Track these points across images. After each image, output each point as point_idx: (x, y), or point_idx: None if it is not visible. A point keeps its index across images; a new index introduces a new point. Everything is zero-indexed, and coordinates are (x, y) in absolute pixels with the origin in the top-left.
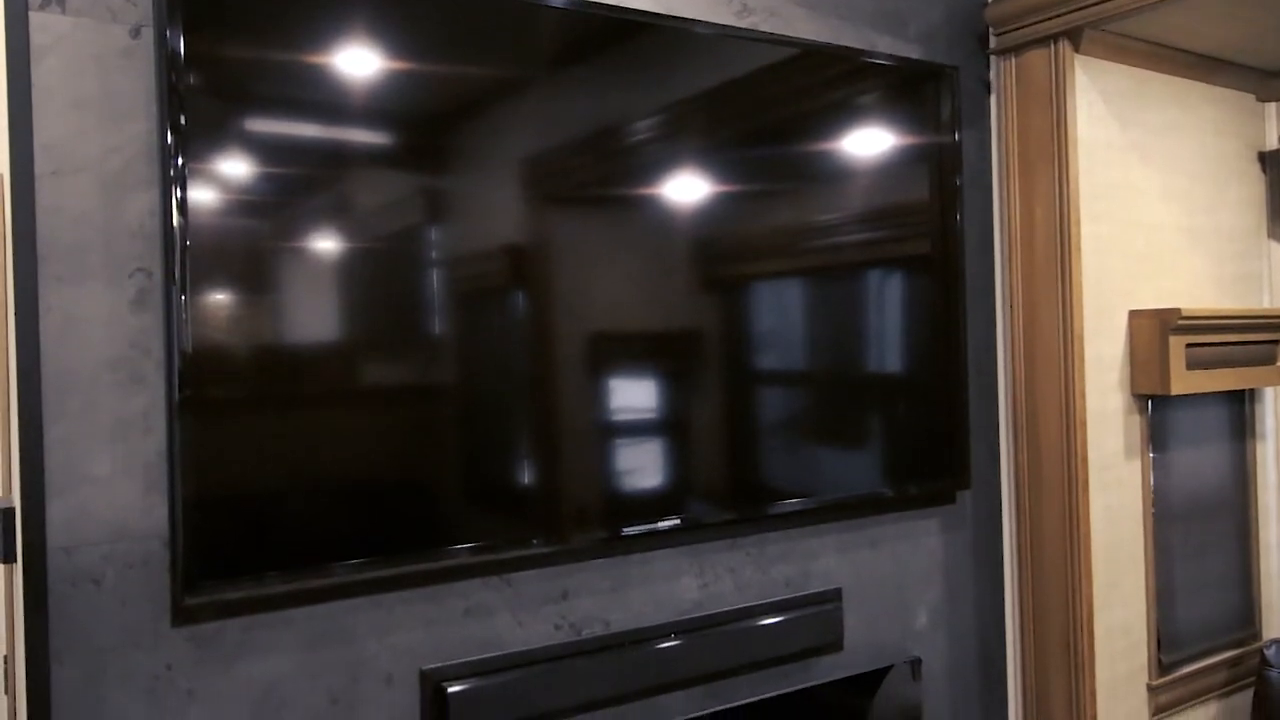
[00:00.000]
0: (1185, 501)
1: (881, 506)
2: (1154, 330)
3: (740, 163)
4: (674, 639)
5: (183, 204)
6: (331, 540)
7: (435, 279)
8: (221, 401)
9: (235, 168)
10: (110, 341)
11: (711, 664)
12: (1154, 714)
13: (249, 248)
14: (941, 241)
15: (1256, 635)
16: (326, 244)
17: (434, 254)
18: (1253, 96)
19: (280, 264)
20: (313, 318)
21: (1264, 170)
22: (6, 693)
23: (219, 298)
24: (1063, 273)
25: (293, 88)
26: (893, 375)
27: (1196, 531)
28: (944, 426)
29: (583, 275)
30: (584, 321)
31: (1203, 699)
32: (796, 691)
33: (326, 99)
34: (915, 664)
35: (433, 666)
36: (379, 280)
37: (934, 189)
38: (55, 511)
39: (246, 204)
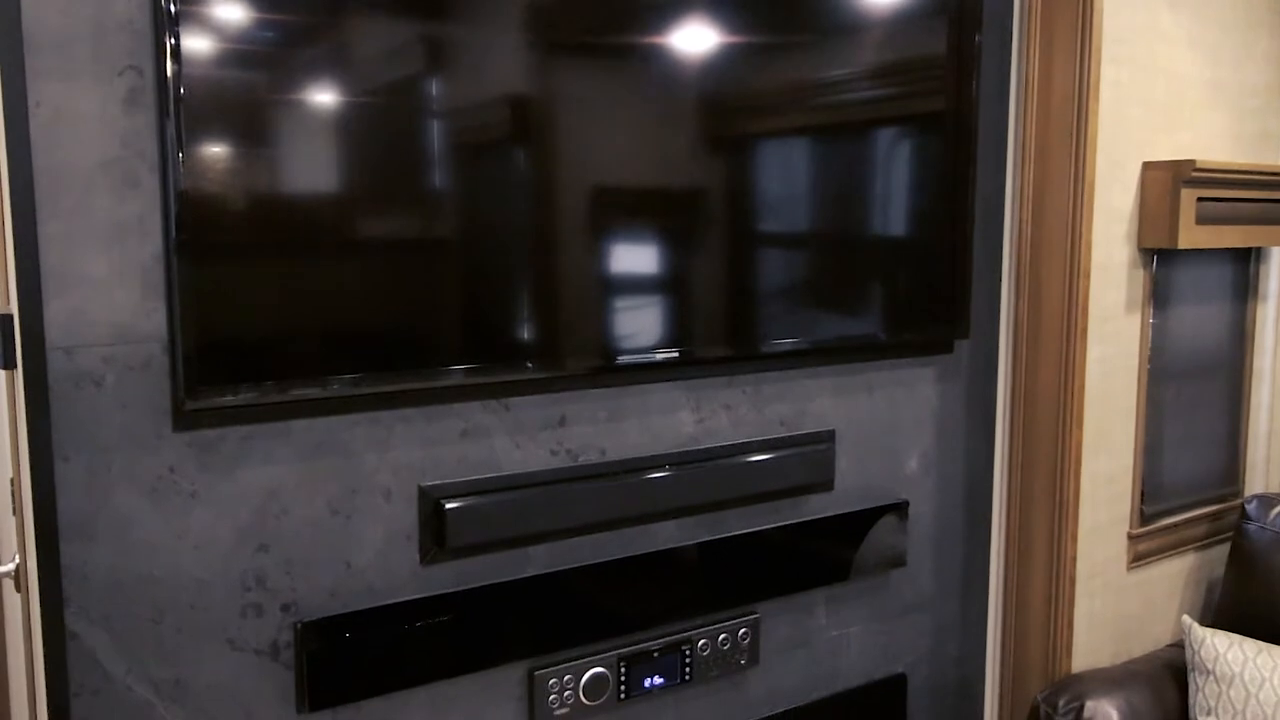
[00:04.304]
0: (1181, 358)
1: (878, 352)
2: (1166, 182)
3: (748, 9)
4: (668, 470)
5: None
6: (329, 354)
7: (439, 101)
8: (219, 223)
9: None
10: (102, 141)
11: (704, 496)
12: (1132, 561)
13: (244, 53)
14: (955, 97)
15: (1239, 493)
16: (323, 68)
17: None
18: None
19: (279, 73)
20: (313, 134)
21: None
22: (15, 514)
23: (213, 103)
24: (1078, 120)
25: None
26: (897, 227)
27: (1189, 388)
28: (945, 278)
29: (581, 117)
30: (583, 159)
31: (1180, 550)
32: (785, 527)
33: None
34: (903, 506)
35: (431, 483)
36: (378, 87)
37: (951, 41)
38: (53, 312)
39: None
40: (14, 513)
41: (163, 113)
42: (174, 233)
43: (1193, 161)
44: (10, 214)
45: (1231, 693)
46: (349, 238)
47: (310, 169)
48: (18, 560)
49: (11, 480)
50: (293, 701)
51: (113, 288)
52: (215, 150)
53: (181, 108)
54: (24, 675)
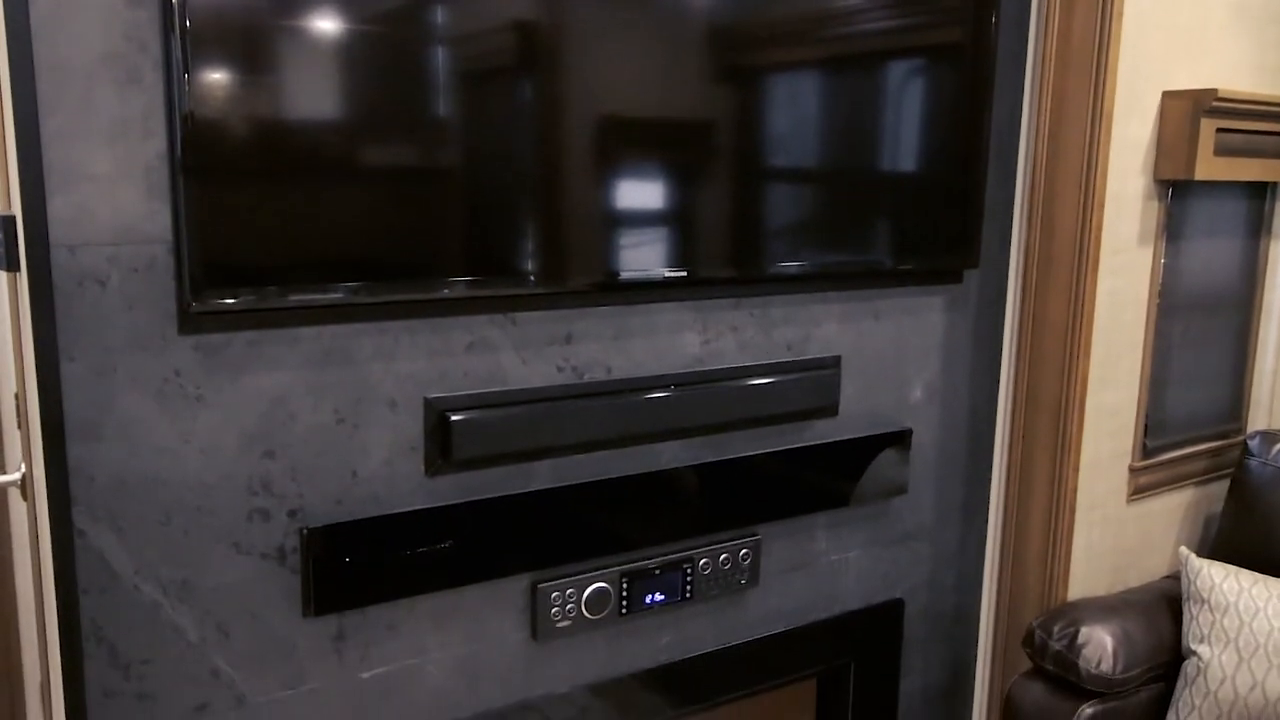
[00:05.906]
0: (1190, 293)
1: (886, 279)
2: (1186, 112)
3: None
4: (674, 390)
5: None
6: (333, 262)
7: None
8: (224, 140)
9: None
10: (104, 33)
11: (709, 417)
12: (1132, 494)
13: None
14: (974, 26)
15: (1241, 429)
16: None
17: None
18: None
19: None
20: (319, 53)
21: None
22: (20, 428)
23: (218, 21)
24: (1099, 48)
25: None
26: (909, 155)
27: (1197, 324)
28: (957, 207)
29: (588, 41)
30: (590, 81)
31: (1180, 484)
32: (789, 451)
33: None
34: (906, 435)
35: (437, 395)
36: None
37: None
38: (56, 209)
39: None
40: (19, 426)
41: (167, 26)
42: (179, 152)
43: (1214, 91)
44: (12, 108)
45: (1225, 621)
46: (355, 153)
47: (317, 86)
48: (24, 469)
49: (16, 395)
50: (298, 605)
51: (116, 186)
52: (221, 67)
53: (188, 38)
54: (31, 585)
